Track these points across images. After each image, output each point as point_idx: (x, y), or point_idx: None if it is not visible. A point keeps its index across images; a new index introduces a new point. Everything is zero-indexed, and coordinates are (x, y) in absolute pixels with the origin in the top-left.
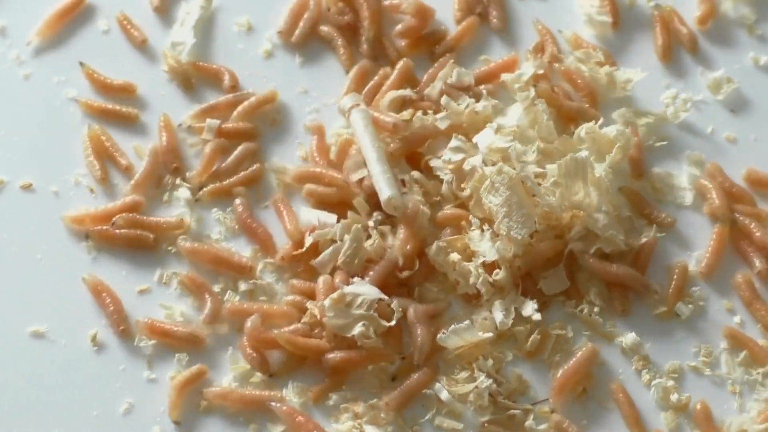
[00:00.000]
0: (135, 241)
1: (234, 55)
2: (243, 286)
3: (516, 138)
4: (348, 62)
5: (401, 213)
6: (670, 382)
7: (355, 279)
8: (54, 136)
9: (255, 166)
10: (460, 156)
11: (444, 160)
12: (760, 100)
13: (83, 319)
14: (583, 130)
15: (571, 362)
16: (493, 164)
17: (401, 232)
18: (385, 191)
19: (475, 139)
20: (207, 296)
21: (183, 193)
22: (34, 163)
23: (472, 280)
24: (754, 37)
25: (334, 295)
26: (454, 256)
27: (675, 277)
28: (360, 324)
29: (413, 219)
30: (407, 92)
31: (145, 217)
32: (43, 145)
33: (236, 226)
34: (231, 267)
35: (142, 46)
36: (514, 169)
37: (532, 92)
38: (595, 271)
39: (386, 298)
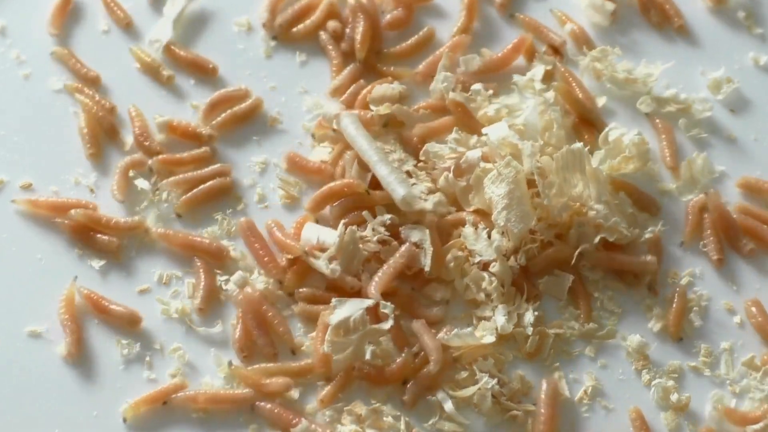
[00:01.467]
0: (103, 248)
1: (234, 55)
2: (236, 277)
3: (521, 137)
4: (337, 71)
5: (417, 210)
6: (670, 382)
7: (333, 301)
8: (54, 136)
9: (227, 179)
10: (461, 148)
11: (450, 147)
12: (760, 100)
13: (82, 320)
14: (610, 134)
15: (541, 410)
16: (502, 158)
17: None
18: (398, 190)
19: (485, 131)
20: (201, 275)
21: (141, 183)
22: (34, 163)
23: (484, 285)
24: (754, 37)
25: (328, 334)
26: (471, 270)
27: (675, 301)
28: (367, 345)
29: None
30: (395, 86)
31: (103, 218)
32: (43, 145)
33: (234, 229)
34: (204, 251)
35: (126, 28)
36: (522, 165)
37: (551, 98)
38: (602, 263)
39: (370, 302)
